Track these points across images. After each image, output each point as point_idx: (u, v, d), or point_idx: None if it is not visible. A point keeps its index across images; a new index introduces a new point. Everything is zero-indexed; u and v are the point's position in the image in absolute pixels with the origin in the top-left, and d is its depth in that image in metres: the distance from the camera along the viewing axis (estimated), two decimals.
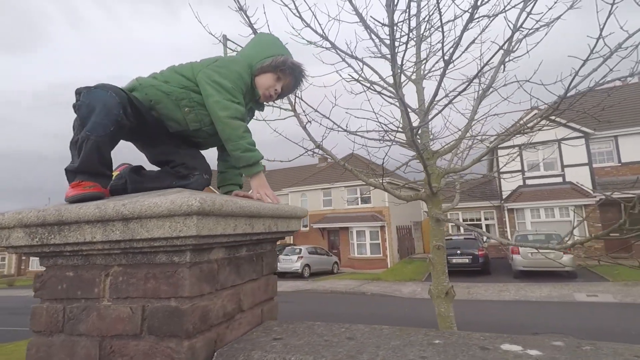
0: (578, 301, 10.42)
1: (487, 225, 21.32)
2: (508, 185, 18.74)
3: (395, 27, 3.83)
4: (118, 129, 1.19)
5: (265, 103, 1.60)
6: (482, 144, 4.02)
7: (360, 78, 3.61)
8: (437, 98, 3.43)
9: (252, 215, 1.17)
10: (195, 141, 1.47)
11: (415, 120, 4.08)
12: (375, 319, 9.54)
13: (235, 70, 1.35)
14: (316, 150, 3.84)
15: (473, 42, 3.10)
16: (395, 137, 3.59)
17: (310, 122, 3.73)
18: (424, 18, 3.90)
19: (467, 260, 15.45)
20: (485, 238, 20.09)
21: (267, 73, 1.44)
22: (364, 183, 3.95)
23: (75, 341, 1.03)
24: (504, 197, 19.29)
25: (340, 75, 3.39)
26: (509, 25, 2.44)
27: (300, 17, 3.82)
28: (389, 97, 3.24)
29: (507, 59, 3.71)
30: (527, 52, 3.43)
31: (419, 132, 3.99)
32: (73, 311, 1.05)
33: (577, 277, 13.46)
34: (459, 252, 15.57)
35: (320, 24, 3.76)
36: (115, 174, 1.39)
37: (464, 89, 2.38)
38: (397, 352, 0.98)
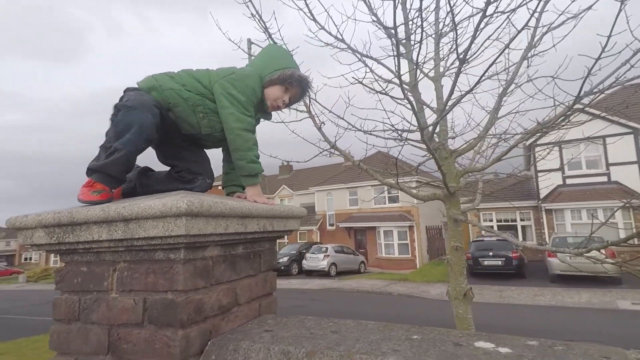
0: (621, 309, 9.75)
1: (523, 227, 20.38)
2: (546, 184, 17.79)
3: (409, 25, 3.84)
4: (148, 145, 1.36)
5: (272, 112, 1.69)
6: (506, 142, 3.90)
7: (371, 79, 3.63)
8: (456, 96, 3.40)
9: (244, 215, 1.25)
10: (204, 143, 1.58)
11: (429, 116, 4.05)
12: (401, 320, 9.45)
13: (249, 85, 1.44)
14: (331, 151, 3.90)
15: (488, 38, 3.03)
16: (407, 136, 3.57)
17: (324, 123, 3.79)
18: (446, 14, 3.86)
19: (499, 263, 14.87)
20: (519, 240, 19.24)
21: (276, 85, 1.51)
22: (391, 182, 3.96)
23: (89, 329, 1.17)
24: (541, 196, 18.37)
25: (356, 79, 3.43)
26: (528, 25, 2.38)
27: (315, 20, 3.89)
28: (399, 98, 3.24)
29: (530, 54, 3.59)
30: (554, 46, 3.30)
31: (437, 130, 3.95)
32: (87, 302, 1.18)
33: (621, 283, 12.58)
34: (490, 253, 15.03)
35: (336, 25, 3.82)
36: None
37: (471, 89, 2.34)
38: (372, 345, 1.03)
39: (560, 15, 3.02)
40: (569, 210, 17.12)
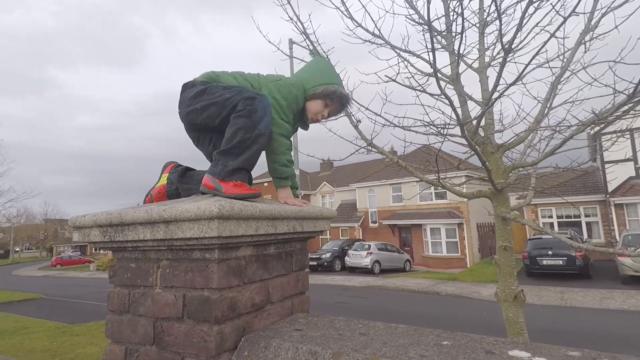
0: None
1: (588, 223, 18.67)
2: (616, 176, 16.09)
3: (450, 16, 3.67)
4: None
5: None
6: (561, 134, 3.60)
7: (409, 74, 3.52)
8: (501, 88, 3.20)
9: (274, 217, 1.30)
10: None
11: (472, 109, 3.84)
12: (448, 321, 9.13)
13: (294, 93, 1.50)
14: (368, 148, 3.86)
15: (537, 25, 2.80)
16: (447, 132, 3.42)
17: (360, 121, 3.76)
18: (490, 2, 3.64)
19: (560, 263, 13.76)
20: (585, 237, 17.66)
21: (318, 100, 1.57)
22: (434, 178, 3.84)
23: (137, 320, 1.28)
24: (609, 190, 16.68)
25: (389, 77, 3.36)
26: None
27: (352, 18, 3.86)
28: (436, 94, 3.11)
29: (587, 38, 3.27)
30: (615, 27, 2.98)
31: (482, 123, 3.75)
32: (135, 296, 1.30)
33: None
34: (550, 252, 13.95)
35: (373, 21, 3.76)
36: (164, 176, 1.60)
37: (515, 81, 2.19)
38: (400, 349, 1.02)
39: None
40: None
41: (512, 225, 3.70)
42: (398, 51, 3.80)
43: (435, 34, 3.78)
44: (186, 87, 1.49)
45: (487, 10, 3.81)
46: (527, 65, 2.06)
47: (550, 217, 19.40)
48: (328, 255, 21.08)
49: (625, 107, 2.45)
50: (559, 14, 1.95)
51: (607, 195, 16.66)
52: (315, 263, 20.41)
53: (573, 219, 18.95)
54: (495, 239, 3.72)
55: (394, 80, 2.99)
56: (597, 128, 3.49)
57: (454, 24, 3.49)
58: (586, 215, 18.69)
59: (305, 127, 1.70)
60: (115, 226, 1.26)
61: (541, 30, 2.74)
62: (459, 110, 2.66)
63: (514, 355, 0.93)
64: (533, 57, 1.91)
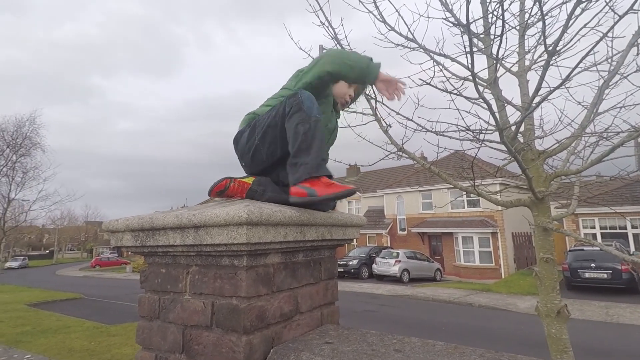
0: None
1: (635, 235, 17.34)
2: None
3: (488, 18, 3.53)
4: None
5: (342, 110, 1.73)
6: (609, 141, 3.35)
7: (443, 78, 3.41)
8: (543, 93, 3.02)
9: (303, 223, 1.25)
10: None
11: (512, 114, 3.66)
12: (482, 334, 8.70)
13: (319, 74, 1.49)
14: (399, 153, 3.76)
15: (584, 26, 2.63)
16: (484, 137, 3.26)
17: (390, 125, 3.67)
18: (533, 3, 3.48)
19: (605, 276, 12.83)
20: (632, 250, 16.41)
21: (340, 81, 1.57)
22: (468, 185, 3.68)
23: (166, 327, 1.27)
24: None
25: (424, 81, 3.27)
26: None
27: (384, 22, 3.80)
28: (473, 98, 2.98)
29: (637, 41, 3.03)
30: None
31: (521, 129, 3.56)
32: (165, 302, 1.29)
33: None
34: (593, 265, 13.05)
35: (406, 24, 3.69)
36: (252, 178, 1.49)
37: (560, 84, 2.04)
38: None
39: None
40: None
41: (553, 236, 3.46)
42: (432, 55, 3.69)
43: (473, 36, 3.65)
44: (237, 139, 1.53)
45: (529, 12, 3.65)
46: (574, 68, 1.92)
47: (593, 227, 18.18)
48: (355, 262, 20.81)
49: None
50: (615, 12, 1.80)
51: None
52: (342, 270, 20.19)
53: (618, 230, 17.66)
54: (533, 250, 3.49)
55: (429, 84, 2.89)
56: (628, 139, 3.22)
57: (493, 26, 3.36)
58: (633, 227, 17.37)
59: (338, 116, 1.69)
60: (146, 231, 1.27)
61: (589, 30, 2.56)
62: (497, 116, 2.52)
63: None
64: (582, 59, 1.78)
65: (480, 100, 2.32)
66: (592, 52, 1.89)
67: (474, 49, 3.80)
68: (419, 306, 12.80)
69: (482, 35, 3.62)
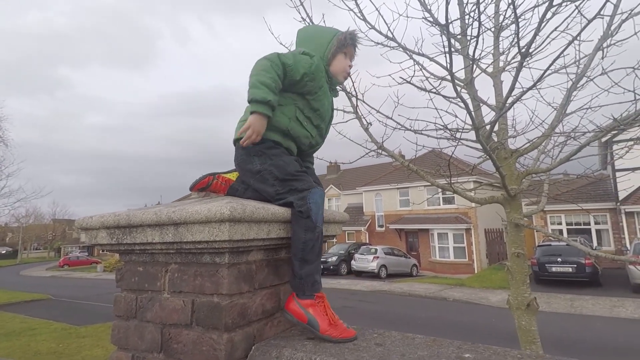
0: None
1: (597, 231, 18.34)
2: (626, 184, 15.84)
3: (465, 19, 3.61)
4: None
5: (339, 88, 1.73)
6: (576, 141, 3.52)
7: (422, 77, 3.47)
8: (517, 93, 3.14)
9: (286, 220, 1.25)
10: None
11: (487, 114, 3.77)
12: (457, 327, 8.98)
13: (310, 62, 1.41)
14: (379, 151, 3.81)
15: (555, 29, 2.73)
16: (460, 136, 3.36)
17: (371, 124, 3.71)
18: (507, 6, 3.59)
19: (570, 270, 13.50)
20: (595, 245, 17.36)
21: (338, 55, 1.53)
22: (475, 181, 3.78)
23: (144, 326, 1.24)
24: (620, 198, 16.39)
25: (404, 79, 3.31)
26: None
27: (365, 20, 3.82)
28: (451, 97, 3.05)
29: (606, 44, 3.19)
30: (635, 33, 2.91)
31: (495, 128, 3.68)
32: (142, 301, 1.26)
33: None
34: (559, 259, 13.71)
35: (387, 23, 3.72)
36: (236, 174, 1.45)
37: (532, 86, 2.13)
38: None
39: None
40: None
41: (524, 231, 3.60)
42: (411, 54, 3.75)
43: (450, 37, 3.73)
44: (242, 157, 1.40)
45: (503, 14, 3.76)
46: (546, 70, 2.01)
47: (560, 224, 19.09)
48: (334, 258, 20.95)
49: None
50: (583, 16, 1.88)
51: (618, 203, 16.36)
52: (321, 266, 20.29)
53: (583, 227, 18.62)
54: (504, 245, 3.63)
55: (409, 82, 2.93)
56: (609, 135, 3.40)
57: (470, 27, 3.45)
58: (596, 223, 18.36)
59: (335, 94, 1.66)
60: (123, 228, 1.23)
61: (559, 34, 2.67)
62: (460, 116, 2.61)
63: None
64: (554, 61, 1.86)
65: (458, 99, 2.38)
66: (562, 55, 1.97)
67: (452, 50, 3.91)
68: (396, 301, 13.05)
69: (459, 36, 3.70)
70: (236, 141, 1.41)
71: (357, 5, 3.76)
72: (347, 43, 1.53)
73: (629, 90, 2.45)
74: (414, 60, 3.83)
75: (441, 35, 2.97)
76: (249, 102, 1.29)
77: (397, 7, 3.90)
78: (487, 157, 2.77)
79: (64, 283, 24.08)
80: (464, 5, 3.55)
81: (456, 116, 3.37)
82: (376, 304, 12.33)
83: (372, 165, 30.58)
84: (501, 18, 3.67)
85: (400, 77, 2.94)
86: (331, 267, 20.54)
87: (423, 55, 3.70)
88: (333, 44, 1.50)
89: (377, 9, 3.67)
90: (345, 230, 27.46)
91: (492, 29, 3.88)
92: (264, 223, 1.17)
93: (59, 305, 14.31)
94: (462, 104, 2.25)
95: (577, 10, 2.34)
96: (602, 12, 1.76)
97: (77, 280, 25.85)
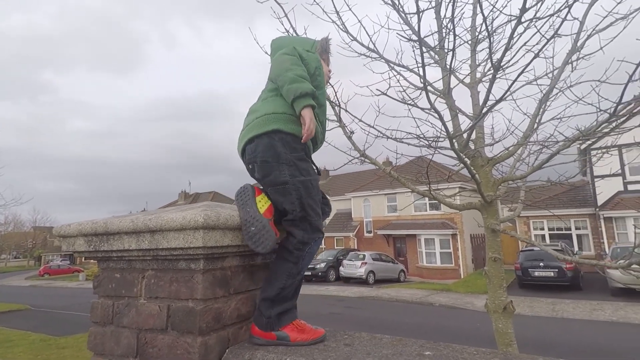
0: None
1: (578, 236, 18.84)
2: (604, 190, 16.38)
3: (442, 33, 3.76)
4: None
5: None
6: (549, 149, 3.67)
7: (401, 87, 3.58)
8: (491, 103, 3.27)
9: None
10: None
11: (463, 122, 3.90)
12: (441, 332, 9.08)
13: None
14: (362, 159, 3.89)
15: (524, 45, 2.89)
16: (437, 145, 3.48)
17: (353, 132, 3.80)
18: (482, 21, 3.74)
19: (552, 274, 13.82)
20: (575, 250, 17.80)
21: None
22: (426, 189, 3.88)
23: (120, 332, 1.27)
24: (599, 203, 16.90)
25: (380, 91, 3.43)
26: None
27: (347, 32, 3.93)
28: (427, 108, 3.17)
29: (574, 58, 3.37)
30: (601, 48, 3.08)
31: (472, 137, 3.81)
32: (119, 307, 1.29)
33: None
34: (541, 264, 14.01)
35: (368, 35, 3.83)
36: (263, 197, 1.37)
37: (499, 100, 2.24)
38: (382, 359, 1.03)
39: (606, 17, 2.83)
40: (632, 218, 15.57)
41: (504, 237, 3.73)
42: (392, 65, 3.87)
43: (428, 49, 3.87)
44: (264, 159, 1.31)
45: (478, 29, 3.92)
46: (512, 84, 2.12)
47: (542, 229, 19.54)
48: (323, 265, 20.92)
49: (607, 125, 2.51)
50: (544, 36, 2.01)
51: (597, 209, 16.86)
52: (309, 273, 20.24)
53: (564, 232, 19.09)
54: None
55: (385, 94, 3.03)
56: (586, 144, 3.57)
57: (446, 40, 3.59)
58: (577, 228, 18.87)
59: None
60: (100, 235, 1.26)
61: (527, 51, 2.82)
62: (450, 124, 2.71)
63: None
64: (518, 76, 1.98)
65: (434, 110, 2.48)
66: (531, 67, 2.10)
67: (430, 61, 4.05)
68: (383, 307, 13.11)
69: (437, 49, 3.84)
70: (249, 141, 1.31)
71: (340, 17, 3.87)
72: (326, 50, 1.59)
73: (590, 104, 2.59)
74: (395, 71, 3.96)
75: (413, 50, 3.09)
76: (296, 97, 1.24)
77: (379, 18, 4.03)
78: (462, 164, 2.87)
79: (44, 292, 23.38)
80: (442, 19, 3.69)
81: (433, 125, 3.48)
82: (364, 310, 12.37)
83: (362, 171, 30.80)
84: (477, 32, 3.84)
85: (377, 89, 3.04)
86: (319, 273, 20.50)
87: (403, 66, 3.83)
88: (317, 49, 1.54)
89: (359, 21, 3.79)
90: (334, 237, 27.51)
91: (469, 42, 4.04)
92: (239, 230, 1.22)
93: (38, 315, 13.89)
94: (437, 115, 2.35)
95: (546, 26, 2.49)
96: (562, 32, 1.89)
97: (58, 290, 25.13)
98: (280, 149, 1.28)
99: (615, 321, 9.64)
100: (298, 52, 1.35)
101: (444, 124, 2.49)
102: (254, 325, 1.26)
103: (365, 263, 19.24)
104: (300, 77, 1.27)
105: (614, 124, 2.51)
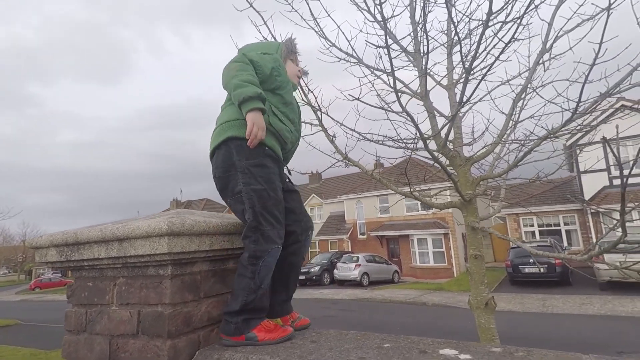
0: None
1: (567, 231, 19.14)
2: (591, 185, 16.71)
3: (418, 38, 3.85)
4: None
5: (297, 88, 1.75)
6: (525, 147, 3.78)
7: (379, 90, 3.66)
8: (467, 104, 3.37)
9: (230, 232, 1.35)
10: None
11: (442, 123, 3.99)
12: (432, 331, 9.16)
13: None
14: (345, 162, 3.96)
15: (494, 47, 2.99)
16: (414, 146, 3.56)
17: (334, 136, 3.87)
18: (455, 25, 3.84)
19: (541, 270, 14.02)
20: (565, 245, 18.07)
21: (287, 61, 1.61)
22: (438, 187, 3.96)
23: (93, 339, 1.30)
24: (587, 199, 17.21)
25: (353, 96, 3.50)
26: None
27: (326, 38, 4.01)
28: (399, 112, 3.25)
29: (544, 59, 3.49)
30: (570, 49, 3.20)
31: (451, 137, 3.90)
32: (92, 314, 1.32)
33: None
34: (531, 260, 14.19)
35: (348, 40, 3.91)
36: None
37: (464, 102, 2.32)
38: (342, 353, 1.08)
39: (570, 18, 2.95)
40: (618, 212, 15.87)
41: (492, 234, 3.81)
42: (372, 69, 3.95)
43: (401, 52, 3.95)
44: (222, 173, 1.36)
45: (452, 34, 4.03)
46: (476, 87, 2.20)
47: (532, 225, 19.81)
48: (317, 268, 20.92)
49: (568, 123, 2.61)
50: (501, 40, 2.10)
51: (584, 204, 17.17)
52: (304, 277, 20.22)
53: (553, 228, 19.38)
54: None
55: (359, 100, 3.10)
56: (570, 141, 3.67)
57: (421, 45, 3.68)
58: (565, 224, 19.16)
59: (295, 88, 1.67)
60: (71, 245, 1.30)
61: (487, 55, 2.92)
62: (422, 126, 2.79)
63: (443, 353, 1.00)
64: (481, 80, 2.06)
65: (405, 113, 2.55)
66: (490, 72, 2.18)
67: (408, 64, 4.15)
68: (377, 308, 13.16)
69: (413, 52, 3.93)
70: (214, 151, 1.36)
71: (318, 24, 3.94)
72: (293, 50, 1.64)
73: (555, 103, 2.69)
74: (375, 75, 4.04)
75: (383, 55, 3.16)
76: (241, 102, 1.27)
77: (359, 24, 4.11)
78: (437, 164, 2.95)
79: (35, 307, 22.97)
80: (416, 23, 3.79)
81: (407, 129, 3.56)
82: (358, 312, 12.40)
83: (353, 173, 30.89)
84: (452, 35, 3.94)
85: (350, 95, 3.11)
86: (314, 277, 20.50)
87: (381, 70, 3.92)
88: (282, 50, 1.58)
89: (338, 27, 3.86)
90: (328, 240, 27.54)
91: (445, 45, 4.14)
92: (206, 236, 1.26)
93: (28, 330, 13.67)
94: (407, 118, 2.42)
95: (496, 37, 2.58)
96: (516, 36, 1.98)
97: (49, 303, 24.70)
98: (235, 157, 1.31)
99: (603, 314, 9.82)
100: (249, 57, 1.37)
101: (416, 125, 2.57)
102: (224, 336, 1.28)
103: (359, 265, 19.28)
104: (245, 82, 1.28)
105: (576, 122, 2.60)
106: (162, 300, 1.19)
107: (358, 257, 19.90)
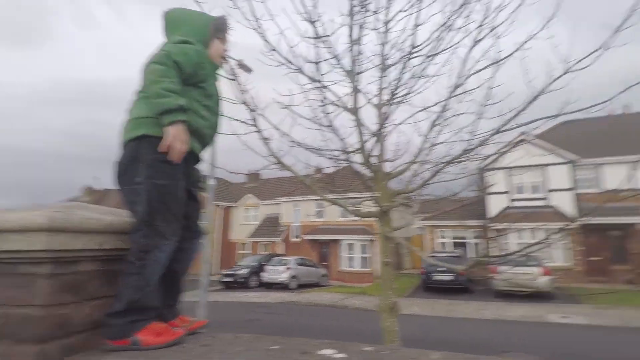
0: (550, 322, 10.66)
1: (476, 244, 21.51)
2: (496, 205, 19.10)
3: (354, 59, 4.05)
4: None
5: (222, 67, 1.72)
6: (436, 167, 4.17)
7: (310, 101, 3.78)
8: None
9: (124, 232, 1.29)
10: None
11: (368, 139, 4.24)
12: (351, 333, 9.54)
13: (190, 53, 1.39)
14: (279, 164, 3.98)
15: (420, 76, 3.30)
16: (344, 157, 3.74)
17: (268, 138, 3.88)
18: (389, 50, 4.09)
19: (449, 278, 15.49)
20: (469, 256, 20.19)
21: (214, 40, 1.55)
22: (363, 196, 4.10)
23: None
24: (490, 216, 19.53)
25: (285, 105, 3.57)
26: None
27: (266, 41, 4.00)
28: (326, 126, 3.41)
29: (459, 92, 3.89)
30: (479, 86, 3.63)
31: (376, 153, 4.15)
32: None
33: (553, 298, 13.85)
34: (439, 269, 15.62)
35: (289, 46, 3.94)
36: None
37: (380, 129, 2.54)
38: (232, 356, 1.10)
39: (479, 61, 3.35)
40: (516, 230, 18.24)
41: (411, 243, 4.11)
42: (311, 80, 4.02)
43: (336, 66, 4.09)
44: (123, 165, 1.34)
45: (382, 59, 4.28)
46: (395, 110, 2.39)
47: (444, 237, 21.98)
48: (245, 271, 20.43)
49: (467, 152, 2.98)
50: (414, 77, 2.35)
51: (487, 221, 19.47)
52: (230, 279, 19.66)
53: (464, 240, 21.61)
54: (401, 256, 4.07)
55: (289, 108, 3.17)
56: (479, 166, 4.16)
57: (355, 65, 3.87)
58: (476, 237, 21.50)
59: (217, 77, 1.62)
60: None
61: (415, 80, 3.20)
62: (353, 139, 2.96)
63: (322, 353, 1.08)
64: (400, 103, 2.24)
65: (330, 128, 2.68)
66: (405, 101, 2.40)
67: (344, 79, 4.33)
68: (303, 311, 13.30)
69: (348, 69, 4.11)
70: (128, 141, 1.31)
71: (260, 26, 3.92)
72: (222, 29, 1.59)
73: (459, 133, 3.03)
74: (314, 86, 4.14)
75: (303, 74, 3.27)
76: (161, 113, 1.23)
77: (303, 30, 4.18)
78: (359, 180, 3.14)
79: None
80: (352, 43, 3.98)
81: (341, 139, 3.71)
82: (283, 315, 12.40)
83: (293, 175, 30.84)
84: (383, 60, 4.20)
85: (279, 102, 3.17)
86: (240, 279, 20.02)
87: (318, 81, 4.03)
88: (210, 29, 1.53)
89: (282, 32, 3.89)
90: (259, 242, 27.14)
91: (379, 66, 4.40)
92: (96, 234, 1.19)
93: None
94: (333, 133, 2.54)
95: (430, 63, 2.86)
96: (431, 74, 2.21)
97: None
98: (143, 150, 1.28)
99: (496, 319, 11.16)
100: (173, 58, 1.32)
101: (341, 140, 2.70)
102: (109, 341, 1.21)
103: (289, 268, 19.30)
104: (167, 92, 1.25)
105: (472, 152, 2.99)
106: (34, 301, 1.09)
107: (288, 260, 19.92)
